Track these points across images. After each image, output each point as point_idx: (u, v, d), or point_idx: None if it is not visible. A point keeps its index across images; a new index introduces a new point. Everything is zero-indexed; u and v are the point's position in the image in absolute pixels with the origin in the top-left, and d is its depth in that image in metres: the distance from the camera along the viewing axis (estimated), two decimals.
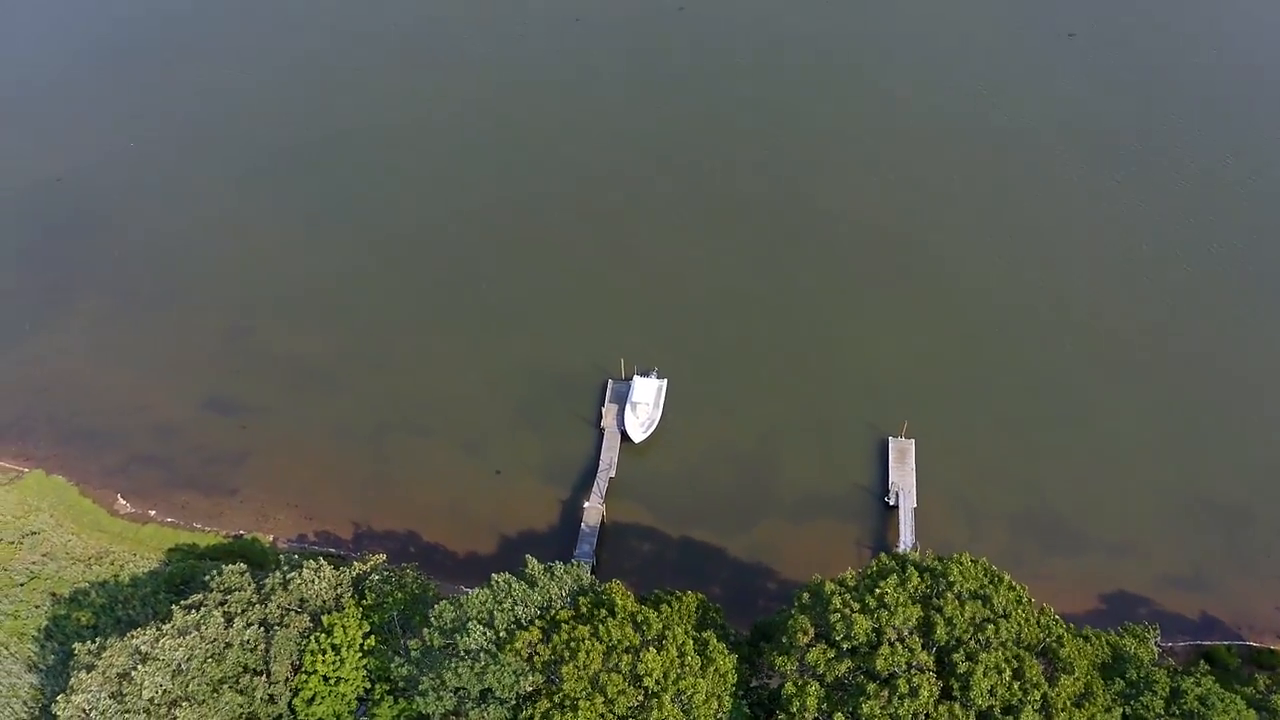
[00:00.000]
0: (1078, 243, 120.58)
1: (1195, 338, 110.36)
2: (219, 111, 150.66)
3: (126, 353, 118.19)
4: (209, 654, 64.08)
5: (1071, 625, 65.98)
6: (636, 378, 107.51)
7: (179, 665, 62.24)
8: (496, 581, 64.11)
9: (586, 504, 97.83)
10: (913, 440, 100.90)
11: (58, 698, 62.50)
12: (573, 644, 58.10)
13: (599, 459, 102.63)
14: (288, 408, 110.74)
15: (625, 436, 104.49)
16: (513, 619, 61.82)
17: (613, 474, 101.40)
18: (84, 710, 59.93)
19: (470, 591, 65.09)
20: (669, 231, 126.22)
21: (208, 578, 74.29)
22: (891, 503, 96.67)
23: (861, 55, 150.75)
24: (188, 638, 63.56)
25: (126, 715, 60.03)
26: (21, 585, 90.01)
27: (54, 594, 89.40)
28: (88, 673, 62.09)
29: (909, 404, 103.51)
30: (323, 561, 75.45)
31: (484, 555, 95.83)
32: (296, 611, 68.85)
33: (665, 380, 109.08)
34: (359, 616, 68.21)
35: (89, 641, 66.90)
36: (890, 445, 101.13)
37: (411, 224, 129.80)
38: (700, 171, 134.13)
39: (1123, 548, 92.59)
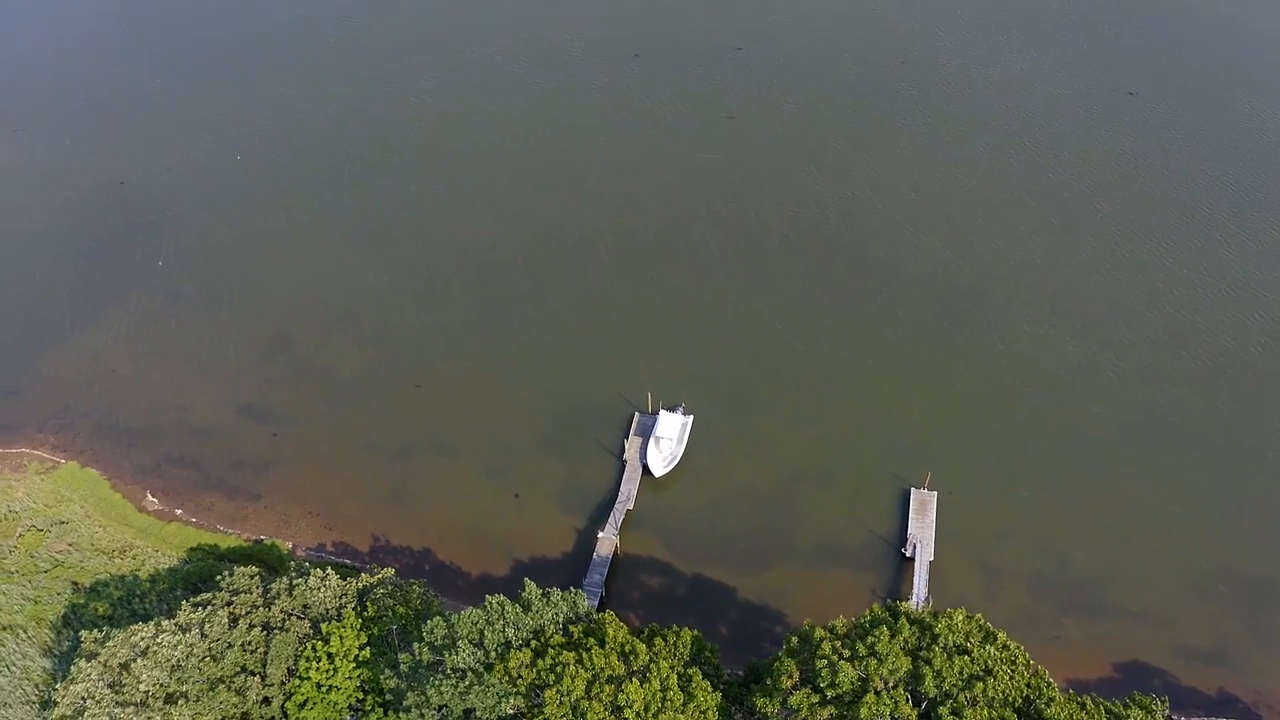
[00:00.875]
0: (1117, 309, 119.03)
1: (1228, 408, 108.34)
2: (276, 127, 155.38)
3: (170, 354, 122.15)
4: (208, 652, 65.90)
5: (1071, 691, 65.12)
6: (663, 412, 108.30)
7: (177, 662, 64.02)
8: (490, 602, 65.17)
9: (601, 534, 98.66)
10: (935, 493, 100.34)
11: (58, 685, 64.68)
12: (557, 669, 58.84)
13: (619, 490, 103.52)
14: (319, 420, 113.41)
15: (646, 470, 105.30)
16: (503, 640, 62.76)
17: (630, 506, 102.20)
18: (82, 699, 61.88)
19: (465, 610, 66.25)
20: (707, 270, 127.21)
21: (220, 578, 76.48)
22: (909, 554, 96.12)
23: (915, 109, 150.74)
24: (188, 635, 65.41)
25: (122, 706, 61.84)
26: (46, 572, 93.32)
27: (75, 583, 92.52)
28: (88, 661, 64.18)
29: (934, 456, 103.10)
30: (330, 570, 77.24)
31: (496, 577, 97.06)
32: (299, 617, 70.51)
33: (691, 417, 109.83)
34: (358, 627, 69.63)
35: (95, 630, 69.02)
36: (912, 496, 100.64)
37: (454, 248, 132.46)
38: (744, 212, 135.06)
39: (1142, 616, 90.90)
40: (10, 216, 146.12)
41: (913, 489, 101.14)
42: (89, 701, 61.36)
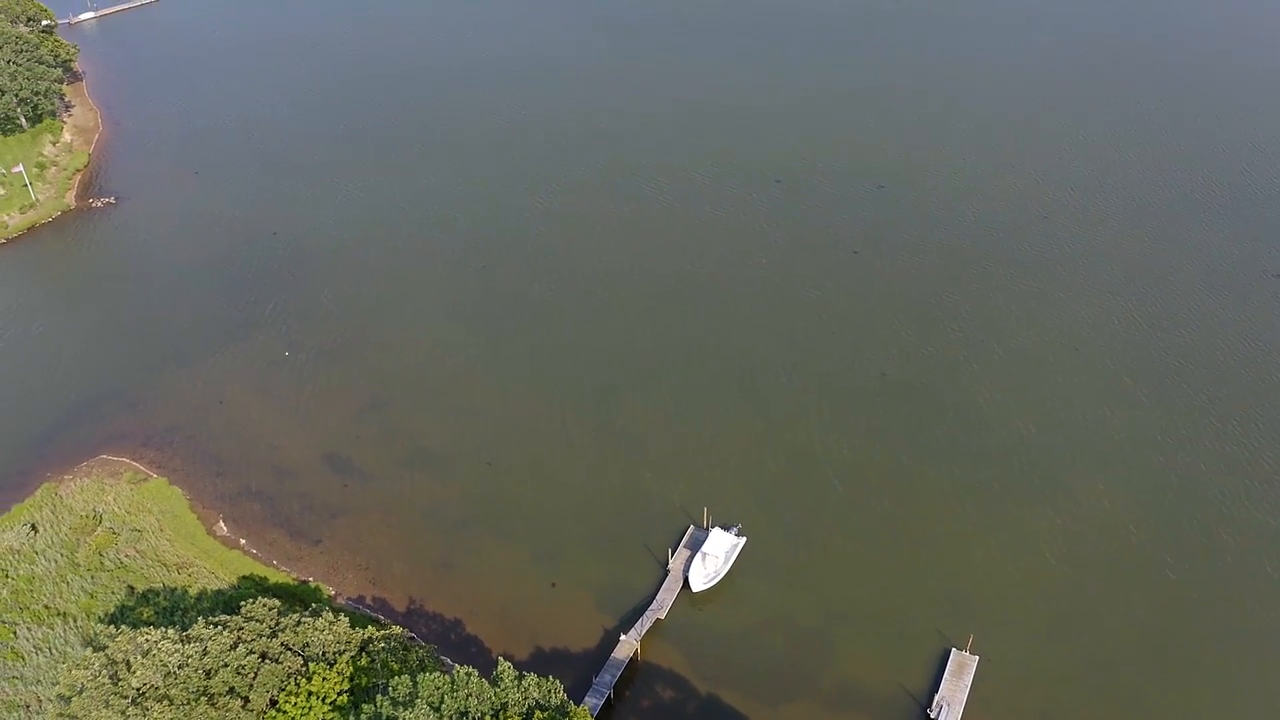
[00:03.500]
0: (1198, 511, 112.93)
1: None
2: (420, 212, 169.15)
3: (275, 396, 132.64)
4: (203, 667, 71.38)
5: None
6: (716, 529, 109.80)
7: (173, 668, 69.76)
8: (458, 671, 68.24)
9: (624, 637, 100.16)
10: (976, 657, 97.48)
11: (62, 666, 71.44)
12: None
13: (655, 597, 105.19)
14: (391, 480, 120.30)
15: (687, 583, 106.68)
16: (462, 709, 65.56)
17: (662, 615, 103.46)
18: (81, 684, 68.22)
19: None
20: (792, 399, 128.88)
21: (243, 604, 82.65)
22: (934, 715, 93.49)
23: (1033, 266, 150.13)
24: (189, 646, 71.22)
25: (115, 698, 67.78)
26: (109, 571, 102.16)
27: (132, 587, 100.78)
28: (95, 652, 70.69)
29: (982, 620, 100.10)
30: (341, 617, 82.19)
31: (513, 658, 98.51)
32: (295, 652, 75.37)
33: (744, 540, 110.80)
34: (346, 674, 73.84)
35: (112, 626, 75.86)
36: (951, 656, 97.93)
37: (556, 348, 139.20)
38: (843, 348, 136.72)
39: None
40: (175, 249, 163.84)
41: (954, 649, 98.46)
42: (87, 686, 67.54)
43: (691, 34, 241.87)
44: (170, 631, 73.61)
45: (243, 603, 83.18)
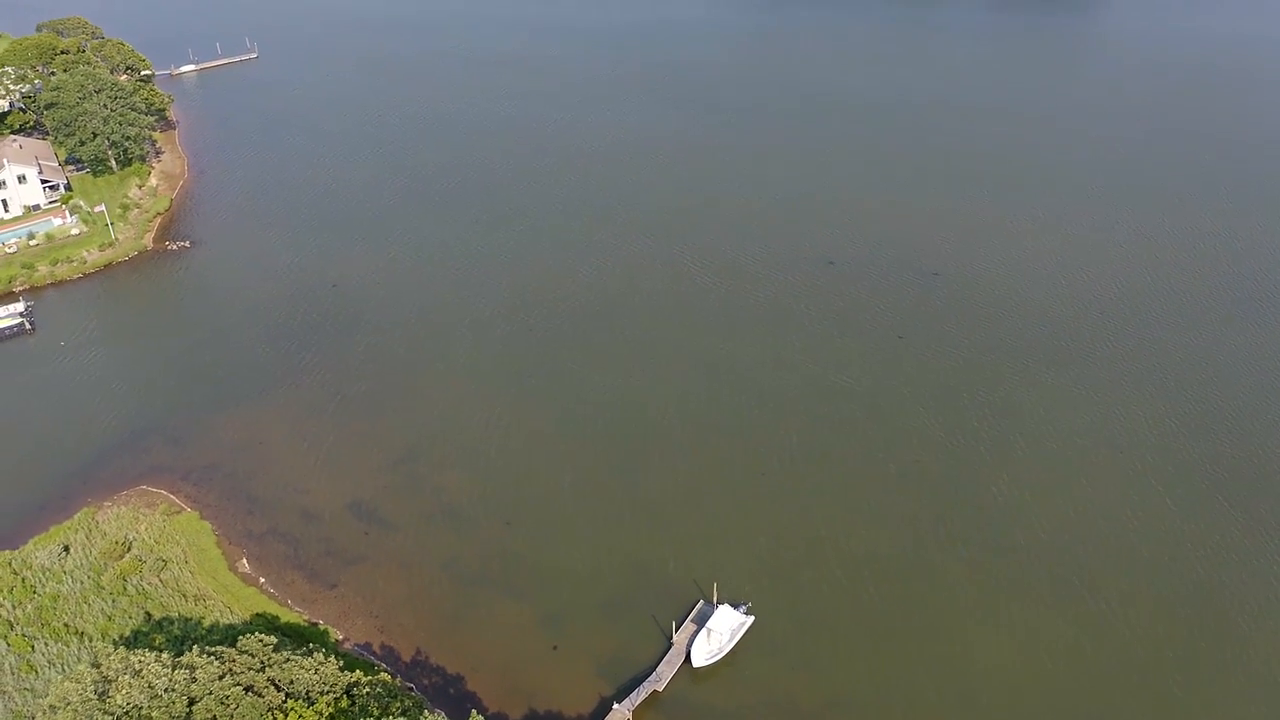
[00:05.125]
0: (1227, 620, 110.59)
1: None
2: (480, 274, 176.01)
3: (313, 442, 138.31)
4: (188, 693, 75.34)
5: None
6: (725, 606, 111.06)
7: (158, 691, 73.85)
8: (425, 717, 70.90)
9: (616, 705, 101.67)
10: None
11: (55, 677, 76.02)
12: None
13: (655, 669, 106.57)
14: (412, 531, 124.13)
15: (689, 658, 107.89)
16: None
17: (659, 687, 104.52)
18: (68, 697, 72.64)
19: None
20: (821, 482, 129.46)
21: (240, 638, 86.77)
22: None
23: (1087, 368, 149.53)
24: (177, 671, 75.33)
25: (100, 714, 71.97)
26: (129, 596, 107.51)
27: (149, 613, 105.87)
28: (89, 668, 75.21)
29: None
30: (331, 658, 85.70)
31: (504, 717, 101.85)
32: (278, 688, 78.97)
33: (752, 618, 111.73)
34: (324, 714, 77.02)
35: (109, 644, 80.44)
36: None
37: (587, 412, 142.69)
38: (879, 435, 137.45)
39: None
40: (238, 294, 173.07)
41: None
42: (73, 700, 71.94)
43: (744, 116, 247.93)
44: (163, 655, 77.80)
45: (241, 637, 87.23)
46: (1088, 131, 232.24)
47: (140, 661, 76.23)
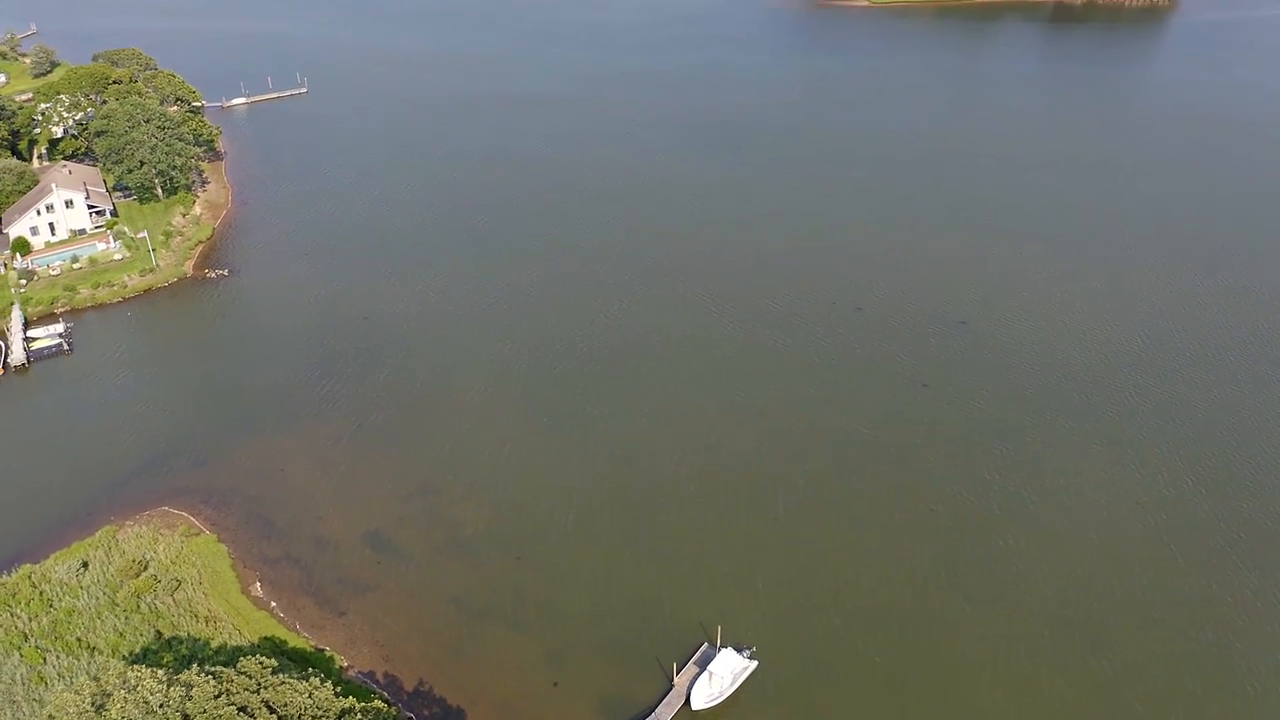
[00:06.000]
0: (1237, 689, 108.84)
1: None
2: (506, 303, 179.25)
3: (332, 469, 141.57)
4: (182, 710, 77.66)
5: None
6: (728, 649, 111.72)
7: (151, 706, 76.25)
8: None
9: None
10: None
11: (58, 687, 78.75)
12: None
13: (654, 710, 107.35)
14: (424, 562, 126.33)
15: (689, 700, 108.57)
16: None
17: None
18: (69, 707, 75.31)
19: None
20: (837, 533, 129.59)
21: (240, 659, 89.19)
22: None
23: (1109, 426, 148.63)
24: (173, 689, 77.76)
25: None
26: (141, 615, 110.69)
27: (160, 632, 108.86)
28: (90, 680, 77.91)
29: None
30: (327, 684, 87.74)
31: None
32: (270, 709, 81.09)
33: (755, 663, 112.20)
34: None
35: (111, 658, 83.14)
36: None
37: (604, 452, 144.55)
38: (899, 484, 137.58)
39: None
40: (272, 323, 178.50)
41: None
42: (71, 709, 74.56)
43: (781, 160, 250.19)
44: (159, 672, 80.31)
45: (241, 658, 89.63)
46: (1128, 184, 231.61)
47: (137, 677, 78.75)
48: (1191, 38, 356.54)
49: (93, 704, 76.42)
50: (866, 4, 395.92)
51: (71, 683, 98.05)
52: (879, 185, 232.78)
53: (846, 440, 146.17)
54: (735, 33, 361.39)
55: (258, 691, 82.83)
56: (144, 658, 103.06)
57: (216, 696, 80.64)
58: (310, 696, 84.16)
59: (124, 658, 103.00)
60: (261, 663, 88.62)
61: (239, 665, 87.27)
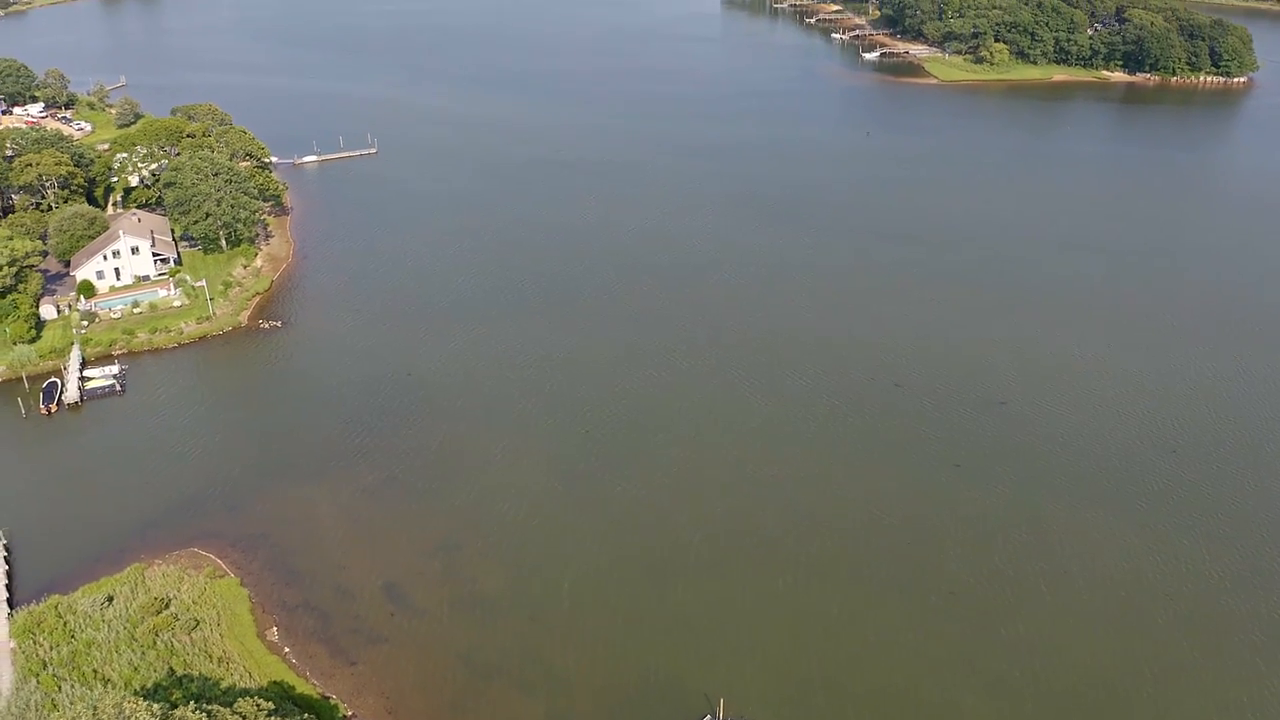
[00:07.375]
0: None
1: None
2: (547, 368, 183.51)
3: (358, 520, 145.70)
4: None
5: None
6: None
7: None
8: None
9: None
10: None
11: (55, 715, 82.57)
12: None
13: None
14: (437, 618, 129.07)
15: None
16: None
17: None
18: None
19: None
20: (843, 603, 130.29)
21: (237, 701, 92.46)
22: None
23: (1142, 513, 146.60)
24: None
25: None
26: (157, 651, 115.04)
27: (173, 669, 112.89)
28: (84, 708, 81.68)
29: None
30: None
31: None
32: None
33: None
34: None
35: (110, 689, 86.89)
36: None
37: (626, 519, 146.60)
38: (918, 557, 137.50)
39: None
40: (318, 375, 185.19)
41: None
42: None
43: (829, 236, 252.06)
44: (155, 706, 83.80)
45: (238, 699, 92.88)
46: (1184, 271, 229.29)
47: (132, 709, 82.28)
48: (1265, 121, 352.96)
49: None
50: (936, 82, 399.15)
51: (85, 710, 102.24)
52: (929, 263, 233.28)
53: (870, 518, 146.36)
54: (805, 109, 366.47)
55: None
56: (154, 693, 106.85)
57: None
58: None
59: (135, 691, 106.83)
60: (258, 705, 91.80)
61: (235, 706, 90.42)
